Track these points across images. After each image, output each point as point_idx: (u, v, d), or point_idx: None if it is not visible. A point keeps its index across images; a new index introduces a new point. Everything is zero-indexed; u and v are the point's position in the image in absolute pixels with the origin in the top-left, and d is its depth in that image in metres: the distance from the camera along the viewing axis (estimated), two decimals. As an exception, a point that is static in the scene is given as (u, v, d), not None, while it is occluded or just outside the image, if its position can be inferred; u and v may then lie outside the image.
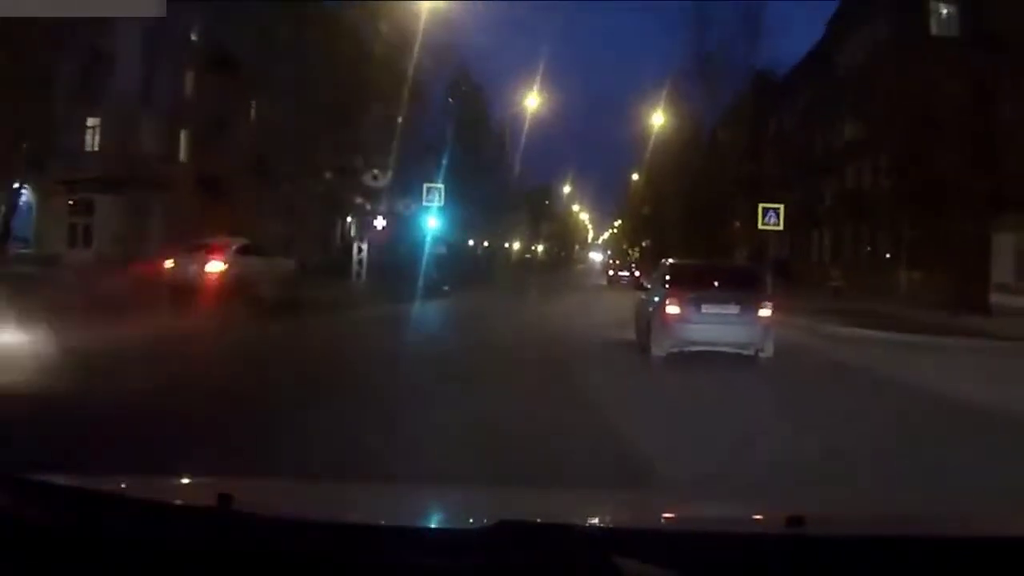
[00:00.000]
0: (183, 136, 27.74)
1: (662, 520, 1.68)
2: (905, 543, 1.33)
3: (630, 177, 55.38)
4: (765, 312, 10.43)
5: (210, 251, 15.84)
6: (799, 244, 39.68)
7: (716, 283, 11.03)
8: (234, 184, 24.49)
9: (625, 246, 75.35)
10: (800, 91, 37.22)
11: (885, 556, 1.27)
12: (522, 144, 42.83)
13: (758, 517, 1.69)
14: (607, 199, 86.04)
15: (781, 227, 20.00)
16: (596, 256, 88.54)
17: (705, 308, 10.52)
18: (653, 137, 38.34)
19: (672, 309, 10.44)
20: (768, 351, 10.28)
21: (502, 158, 43.03)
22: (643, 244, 62.81)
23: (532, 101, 36.01)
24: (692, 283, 10.97)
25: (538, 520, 1.33)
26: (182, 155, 27.77)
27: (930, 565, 1.26)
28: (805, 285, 27.78)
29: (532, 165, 54.05)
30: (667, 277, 11.41)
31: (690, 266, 12.76)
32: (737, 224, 28.87)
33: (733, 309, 10.49)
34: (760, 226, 20.00)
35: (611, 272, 43.02)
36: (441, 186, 23.71)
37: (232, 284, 15.31)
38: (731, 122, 33.15)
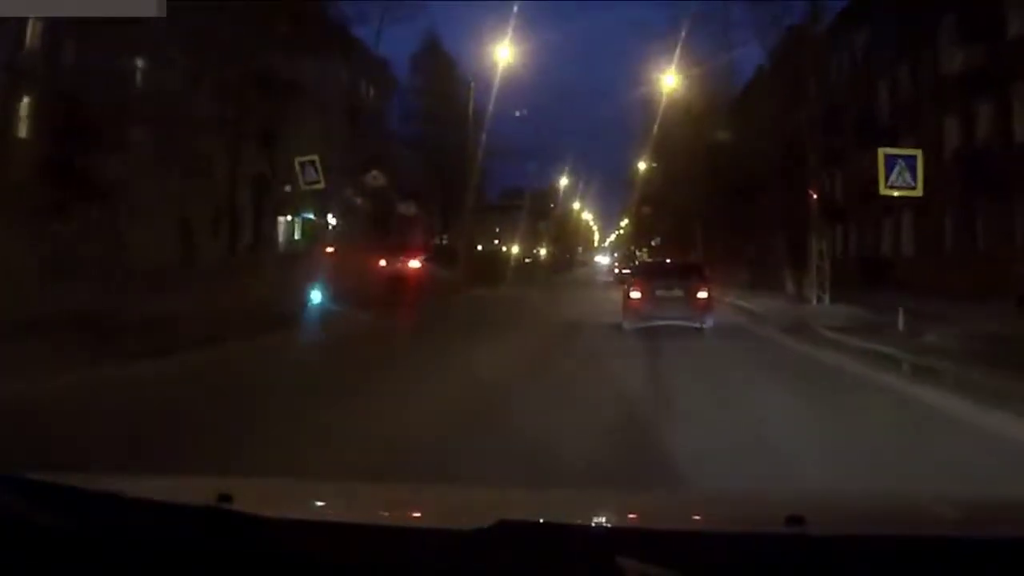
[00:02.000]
0: (24, 105, 22.53)
1: (662, 520, 1.83)
2: (905, 543, 1.45)
3: (635, 169, 50.09)
4: (702, 295, 15.35)
5: (409, 255, 26.53)
6: (861, 233, 32.46)
7: (668, 275, 16.59)
8: (102, 171, 19.99)
9: (632, 247, 68.53)
10: (851, 37, 30.47)
11: (885, 556, 1.38)
12: (500, 121, 40.03)
13: (758, 517, 1.81)
14: (613, 202, 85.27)
15: (919, 190, 14.34)
16: (602, 259, 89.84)
17: (658, 293, 15.56)
18: (664, 102, 32.76)
19: (635, 294, 15.78)
20: (708, 323, 15.12)
21: (480, 142, 36.08)
22: (652, 244, 55.60)
23: (504, 52, 31.45)
24: (651, 275, 16.80)
25: (538, 520, 1.45)
26: (22, 130, 22.59)
27: (930, 565, 1.37)
28: (934, 295, 19.27)
29: (531, 168, 49.08)
30: (634, 272, 19.32)
31: (652, 263, 22.61)
32: (814, 196, 19.74)
33: (679, 293, 15.42)
34: (883, 190, 14.19)
35: (617, 271, 47.32)
36: (315, 158, 17.48)
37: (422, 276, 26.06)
38: (775, 68, 27.37)
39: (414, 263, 26.10)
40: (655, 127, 35.47)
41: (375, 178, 27.22)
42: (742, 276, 31.30)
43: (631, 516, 1.92)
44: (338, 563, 1.34)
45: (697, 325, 14.97)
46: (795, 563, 1.32)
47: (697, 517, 1.90)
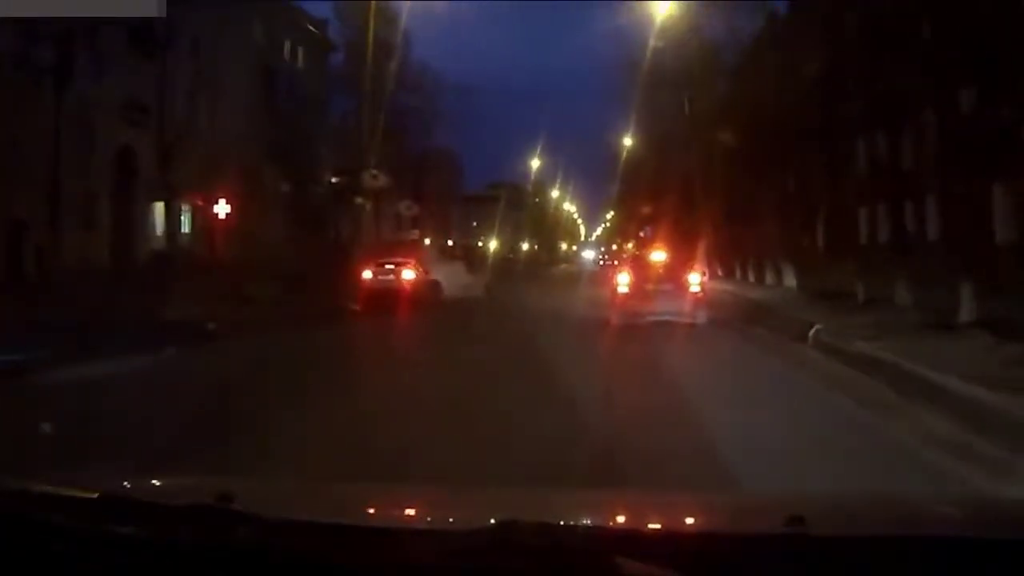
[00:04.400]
0: None
1: (662, 521, 1.88)
2: (905, 543, 1.47)
3: (620, 146, 45.20)
4: (695, 288, 14.63)
5: (403, 265, 21.37)
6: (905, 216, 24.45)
7: (657, 268, 15.70)
8: None
9: (619, 240, 67.05)
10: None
11: (885, 556, 1.40)
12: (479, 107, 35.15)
13: (758, 518, 1.85)
14: (597, 197, 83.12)
15: None
16: (588, 254, 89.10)
17: (647, 287, 14.84)
18: (658, 30, 28.38)
19: (622, 289, 14.97)
20: (701, 319, 14.21)
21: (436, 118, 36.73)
22: (640, 235, 53.04)
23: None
24: (639, 269, 15.96)
25: (538, 520, 1.47)
26: None
27: (930, 565, 1.39)
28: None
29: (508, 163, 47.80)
30: (623, 265, 18.36)
31: (640, 256, 20.24)
32: None
33: (668, 287, 14.71)
34: None
35: (601, 262, 48.83)
36: None
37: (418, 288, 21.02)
38: None
39: (408, 273, 20.03)
40: (643, 81, 30.11)
41: (374, 177, 24.53)
42: (807, 279, 20.51)
43: (631, 516, 1.98)
44: (338, 563, 1.37)
45: (691, 320, 13.90)
46: (795, 563, 1.35)
47: (697, 518, 1.96)
